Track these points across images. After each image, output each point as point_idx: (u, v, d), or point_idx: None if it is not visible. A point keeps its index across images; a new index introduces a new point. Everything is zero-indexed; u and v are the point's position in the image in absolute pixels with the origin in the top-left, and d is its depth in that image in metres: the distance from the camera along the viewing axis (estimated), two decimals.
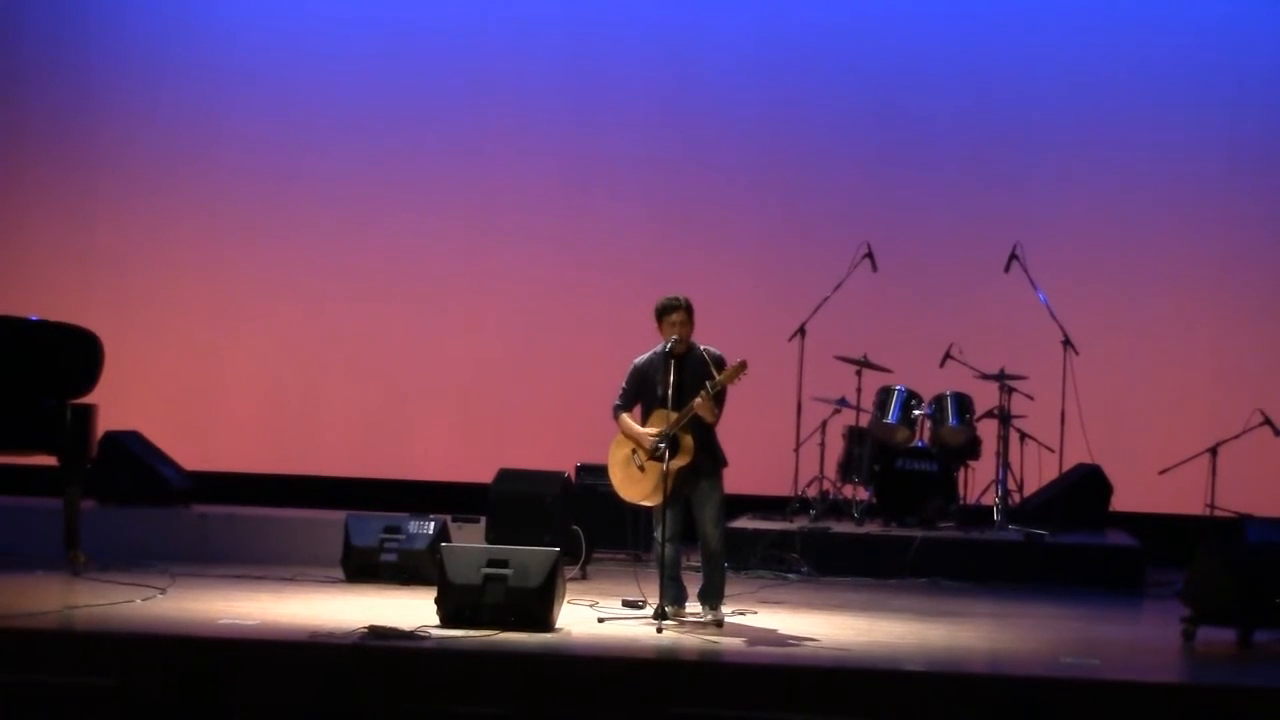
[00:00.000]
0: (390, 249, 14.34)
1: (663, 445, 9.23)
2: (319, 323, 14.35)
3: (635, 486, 9.50)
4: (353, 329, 14.33)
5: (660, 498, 9.30)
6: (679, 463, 9.27)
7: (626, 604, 9.92)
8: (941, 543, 11.98)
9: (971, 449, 12.69)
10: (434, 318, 14.33)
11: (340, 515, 11.37)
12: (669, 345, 9.35)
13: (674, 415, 9.25)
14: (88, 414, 10.93)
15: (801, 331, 12.92)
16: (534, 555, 9.16)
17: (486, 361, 14.27)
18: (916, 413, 12.60)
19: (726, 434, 9.61)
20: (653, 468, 9.36)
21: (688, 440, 9.28)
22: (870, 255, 12.99)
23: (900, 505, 12.56)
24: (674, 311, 9.41)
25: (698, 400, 9.17)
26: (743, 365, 9.15)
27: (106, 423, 11.45)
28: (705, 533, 9.54)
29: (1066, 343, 12.57)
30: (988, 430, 12.68)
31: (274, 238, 14.40)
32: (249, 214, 14.43)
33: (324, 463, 14.11)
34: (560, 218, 14.24)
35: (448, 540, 10.75)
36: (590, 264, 14.14)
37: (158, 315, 14.41)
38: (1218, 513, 12.26)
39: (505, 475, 11.72)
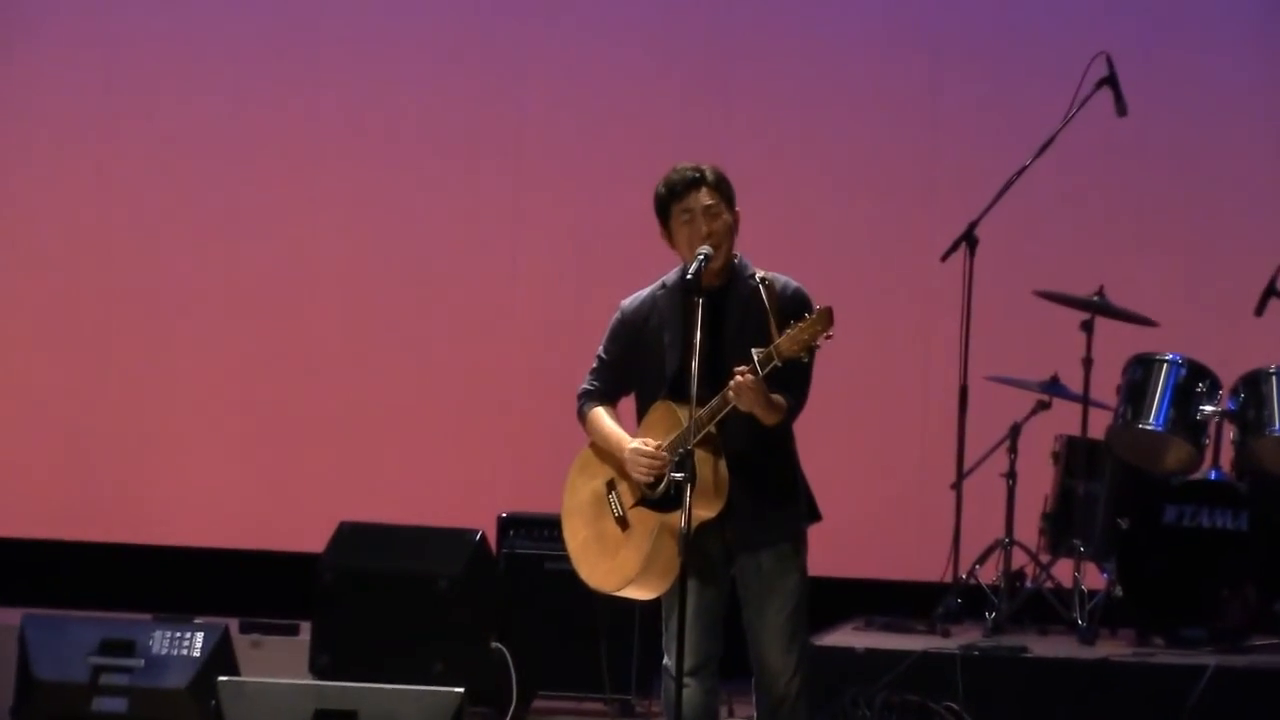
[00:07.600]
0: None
1: (679, 476, 6.01)
2: None
3: (610, 558, 6.48)
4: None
5: (665, 585, 6.27)
6: (703, 512, 6.20)
7: None
8: (1255, 675, 8.90)
9: None
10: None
11: (12, 616, 9.24)
12: (697, 265, 6.20)
13: (699, 411, 6.28)
14: None
15: (968, 241, 8.70)
16: (413, 701, 7.02)
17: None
18: (1206, 409, 9.28)
19: (808, 452, 6.52)
20: (644, 520, 6.27)
21: (720, 468, 6.15)
22: (1113, 78, 8.93)
23: (1172, 600, 9.33)
24: (692, 190, 6.29)
25: (740, 380, 6.04)
26: (827, 315, 6.19)
27: None
28: (767, 661, 6.59)
29: None
30: None
31: None
32: None
33: None
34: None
35: (231, 668, 8.36)
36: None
37: None
38: None
39: (349, 535, 8.71)
